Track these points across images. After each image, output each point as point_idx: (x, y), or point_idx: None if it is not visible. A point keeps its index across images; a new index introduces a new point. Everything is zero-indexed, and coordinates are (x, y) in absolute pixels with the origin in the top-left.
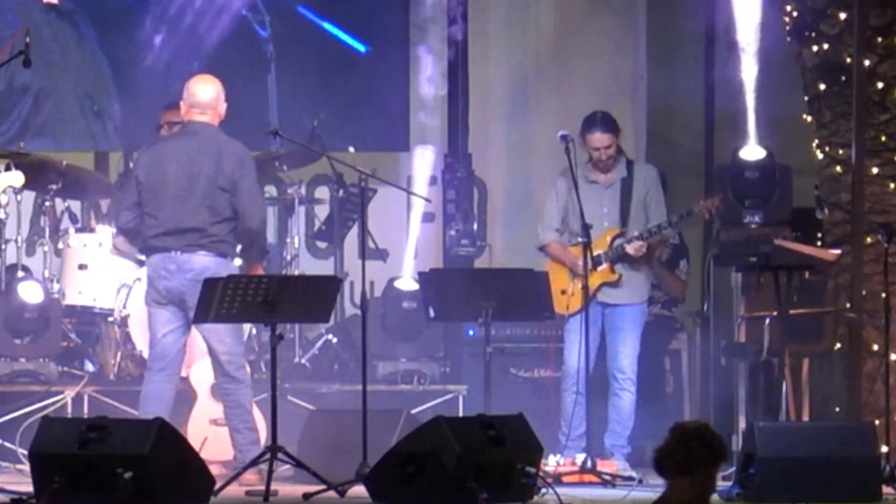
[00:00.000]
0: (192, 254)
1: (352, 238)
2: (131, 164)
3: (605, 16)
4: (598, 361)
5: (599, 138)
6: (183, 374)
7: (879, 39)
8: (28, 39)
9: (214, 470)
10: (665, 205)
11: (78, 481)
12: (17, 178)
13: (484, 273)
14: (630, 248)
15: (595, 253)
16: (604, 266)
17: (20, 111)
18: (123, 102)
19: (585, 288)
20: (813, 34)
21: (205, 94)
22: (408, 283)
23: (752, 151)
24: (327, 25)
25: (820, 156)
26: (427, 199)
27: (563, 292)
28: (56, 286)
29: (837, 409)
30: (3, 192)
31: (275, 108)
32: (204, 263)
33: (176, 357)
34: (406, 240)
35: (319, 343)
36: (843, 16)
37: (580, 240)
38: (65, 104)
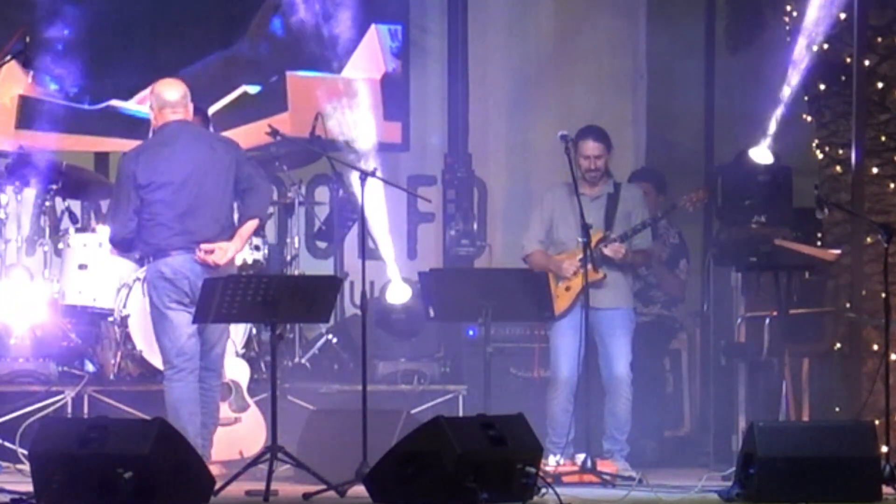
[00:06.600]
0: None
1: (352, 238)
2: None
3: (605, 16)
4: (585, 365)
5: (592, 146)
6: None
7: (879, 39)
8: (27, 39)
9: (214, 470)
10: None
11: (78, 481)
12: None
13: (484, 273)
14: (608, 251)
15: (579, 256)
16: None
17: None
18: None
19: (586, 287)
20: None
21: (174, 94)
22: (395, 293)
23: (760, 153)
24: None
25: (820, 156)
26: (427, 200)
27: None
28: (56, 286)
29: (837, 409)
30: None
31: None
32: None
33: (197, 356)
34: (402, 243)
35: (319, 343)
36: (843, 16)
37: (581, 241)
38: None
